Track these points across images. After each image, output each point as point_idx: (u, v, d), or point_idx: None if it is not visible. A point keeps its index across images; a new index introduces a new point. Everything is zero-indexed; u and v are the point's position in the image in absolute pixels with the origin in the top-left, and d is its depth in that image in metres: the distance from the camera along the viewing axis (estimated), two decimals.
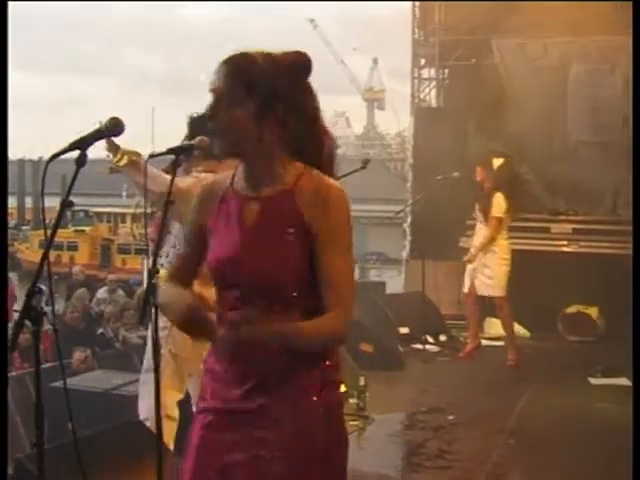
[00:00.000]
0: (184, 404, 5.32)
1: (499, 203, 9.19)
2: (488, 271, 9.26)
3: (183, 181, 4.68)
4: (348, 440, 2.80)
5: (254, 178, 2.71)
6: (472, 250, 9.39)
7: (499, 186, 9.27)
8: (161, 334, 5.22)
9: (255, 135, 2.63)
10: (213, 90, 2.66)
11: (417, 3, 14.15)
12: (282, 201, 2.64)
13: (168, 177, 4.33)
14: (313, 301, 2.64)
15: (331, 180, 2.68)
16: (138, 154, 4.97)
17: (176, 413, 5.10)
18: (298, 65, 2.67)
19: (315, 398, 2.66)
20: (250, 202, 2.70)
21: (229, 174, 2.81)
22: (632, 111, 7.62)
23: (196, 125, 4.76)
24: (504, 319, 9.55)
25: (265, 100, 2.62)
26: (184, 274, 2.89)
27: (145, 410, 5.40)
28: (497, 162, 9.47)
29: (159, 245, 3.76)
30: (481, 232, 9.37)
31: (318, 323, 2.62)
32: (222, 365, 2.73)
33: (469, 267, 9.47)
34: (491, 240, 9.21)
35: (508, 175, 9.97)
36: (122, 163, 5.02)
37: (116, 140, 5.04)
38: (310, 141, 2.69)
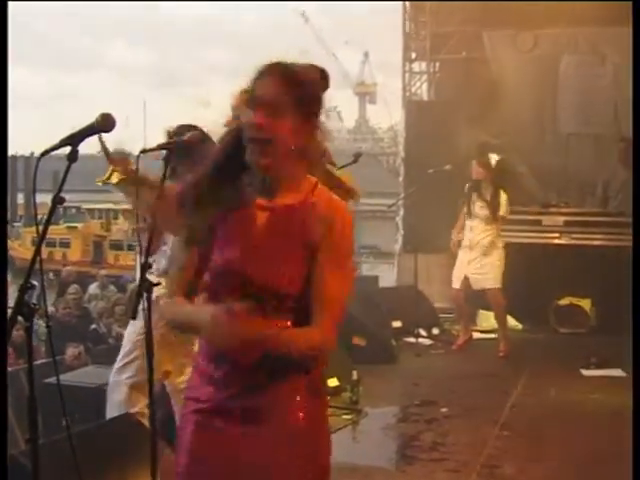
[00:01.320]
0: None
1: (505, 203, 9.31)
2: (486, 263, 9.28)
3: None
4: (331, 445, 2.85)
5: (271, 187, 2.71)
6: (477, 241, 9.37)
7: (501, 184, 9.31)
8: (138, 338, 5.25)
9: (292, 147, 2.65)
10: (259, 97, 2.64)
11: None
12: (293, 213, 2.67)
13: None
14: (306, 312, 2.66)
15: (342, 202, 2.73)
16: (129, 170, 4.93)
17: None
18: (324, 81, 2.71)
19: (298, 403, 2.68)
20: (262, 210, 2.70)
21: None
22: (632, 111, 7.62)
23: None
24: (498, 310, 9.61)
25: (307, 114, 2.65)
26: (190, 285, 2.78)
27: (112, 410, 5.49)
28: (494, 158, 9.46)
29: (151, 239, 3.76)
30: (477, 228, 9.35)
31: (296, 333, 2.63)
32: (211, 366, 2.73)
33: (462, 262, 9.46)
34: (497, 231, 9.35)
35: (505, 170, 9.97)
36: (113, 181, 5.00)
37: (108, 135, 5.04)
38: (317, 153, 2.75)
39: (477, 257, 9.34)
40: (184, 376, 5.54)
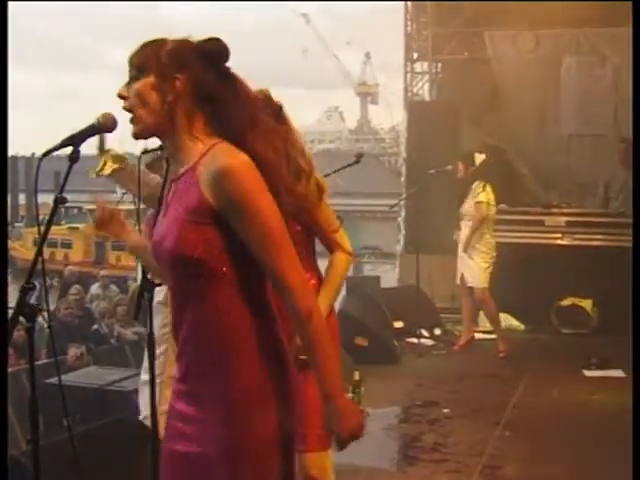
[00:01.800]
0: None
1: (477, 190, 9.26)
2: (470, 263, 9.34)
3: None
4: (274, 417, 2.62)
5: (172, 159, 2.74)
6: (462, 239, 9.42)
7: (479, 178, 9.28)
8: (162, 331, 5.23)
9: (154, 108, 2.63)
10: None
11: None
12: (186, 180, 2.62)
13: (156, 177, 4.32)
14: (245, 271, 2.60)
15: (229, 154, 2.58)
16: (123, 160, 4.93)
17: None
18: (210, 48, 2.66)
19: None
20: (172, 184, 2.73)
21: None
22: (632, 111, 7.62)
23: None
24: (486, 311, 9.69)
25: (163, 72, 2.62)
26: None
27: (145, 408, 5.43)
28: (480, 157, 9.45)
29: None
30: (464, 225, 9.41)
31: (307, 332, 2.59)
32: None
33: (458, 258, 9.53)
34: (479, 224, 9.28)
35: (494, 168, 9.94)
36: (106, 173, 4.98)
37: (109, 136, 5.04)
38: (223, 119, 2.65)
39: (464, 255, 9.41)
40: None
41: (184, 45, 2.66)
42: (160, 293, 4.89)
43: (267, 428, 2.58)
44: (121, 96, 2.68)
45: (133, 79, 2.66)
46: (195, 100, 2.65)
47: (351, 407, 2.68)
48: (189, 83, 2.63)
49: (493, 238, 9.43)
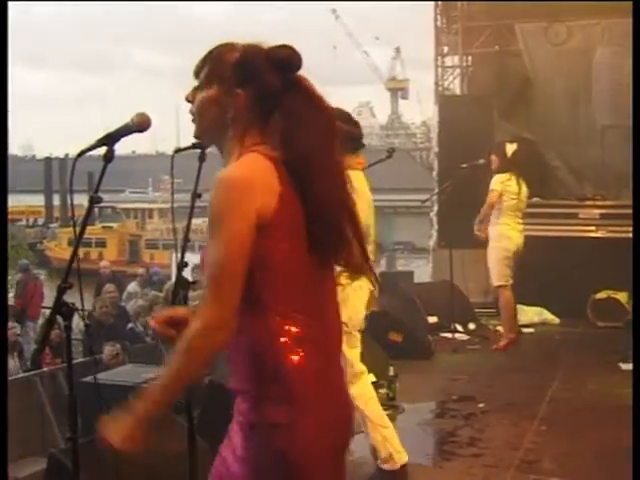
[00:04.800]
0: None
1: (495, 180, 9.15)
2: (489, 259, 9.25)
3: None
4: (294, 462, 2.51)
5: (225, 164, 2.67)
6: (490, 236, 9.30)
7: (508, 169, 9.18)
8: None
9: (212, 121, 2.63)
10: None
11: None
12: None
13: None
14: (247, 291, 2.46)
15: (233, 166, 2.51)
16: None
17: None
18: (281, 56, 2.58)
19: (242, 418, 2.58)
20: None
21: None
22: (632, 107, 7.56)
23: None
24: (502, 309, 9.42)
25: (226, 86, 2.59)
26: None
27: None
28: (511, 147, 9.34)
29: (187, 238, 3.78)
30: (494, 220, 9.28)
31: (182, 340, 2.48)
32: None
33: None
34: (487, 211, 9.18)
35: (527, 161, 9.83)
36: None
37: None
38: (284, 135, 2.54)
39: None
40: None
41: (252, 54, 2.59)
42: None
43: None
44: (188, 100, 2.68)
45: (199, 87, 2.65)
46: (258, 112, 2.57)
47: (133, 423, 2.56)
48: (253, 96, 2.57)
49: (514, 232, 9.27)
